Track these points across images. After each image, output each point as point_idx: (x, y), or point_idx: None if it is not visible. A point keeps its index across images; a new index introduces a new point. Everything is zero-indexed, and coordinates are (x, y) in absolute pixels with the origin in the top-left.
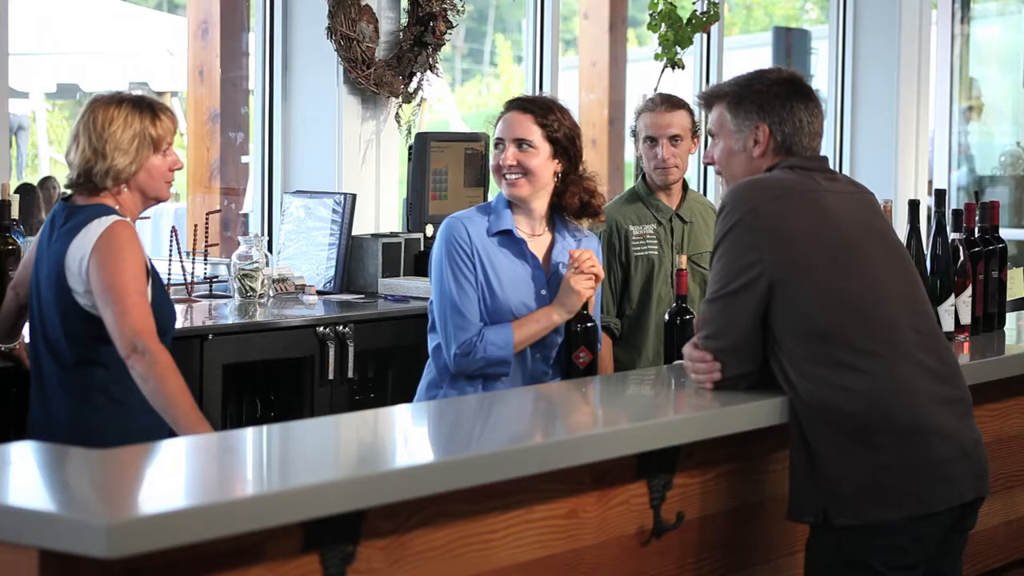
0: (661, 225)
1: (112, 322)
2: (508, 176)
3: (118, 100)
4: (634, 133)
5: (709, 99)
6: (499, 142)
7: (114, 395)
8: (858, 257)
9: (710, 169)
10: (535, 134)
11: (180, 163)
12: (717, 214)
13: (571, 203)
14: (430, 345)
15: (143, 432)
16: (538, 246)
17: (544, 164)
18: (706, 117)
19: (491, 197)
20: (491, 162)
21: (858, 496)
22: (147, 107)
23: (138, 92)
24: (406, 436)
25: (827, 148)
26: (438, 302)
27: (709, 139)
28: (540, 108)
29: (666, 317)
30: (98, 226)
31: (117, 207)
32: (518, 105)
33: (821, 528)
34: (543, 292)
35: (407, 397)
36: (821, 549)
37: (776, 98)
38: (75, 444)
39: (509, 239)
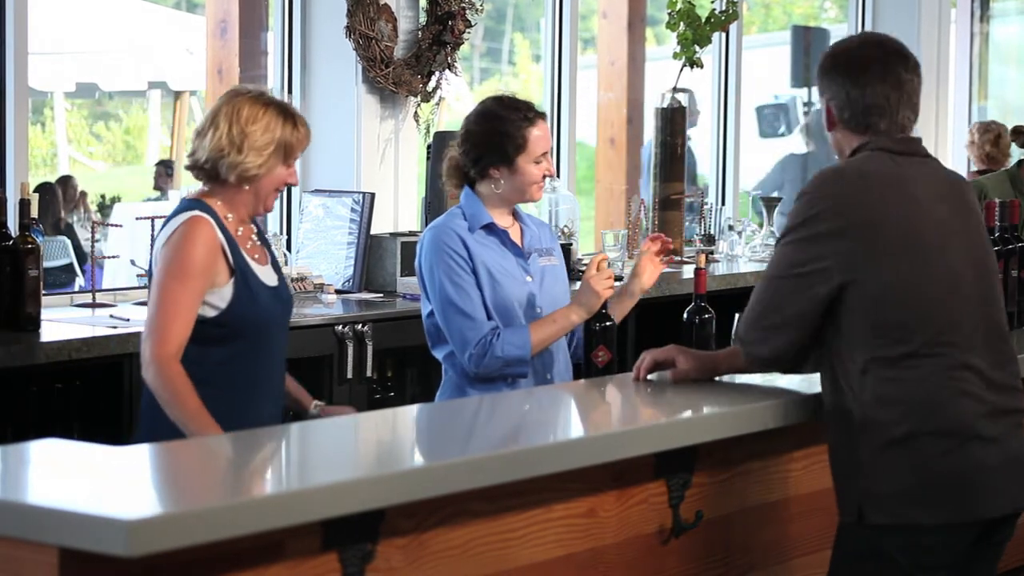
0: None
1: (145, 321)
2: (541, 184)
3: (264, 101)
4: None
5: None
6: (544, 156)
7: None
8: (936, 251)
9: None
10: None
11: (296, 181)
12: (796, 199)
13: None
14: (440, 355)
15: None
16: (514, 235)
17: None
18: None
19: None
20: (533, 175)
21: (896, 498)
22: (289, 116)
23: (280, 98)
24: (425, 435)
25: None
26: (440, 309)
27: None
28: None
29: (684, 316)
30: (175, 222)
31: (220, 202)
32: (543, 116)
33: (855, 523)
34: (528, 279)
35: (426, 396)
36: (848, 538)
37: (828, 73)
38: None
39: (491, 232)
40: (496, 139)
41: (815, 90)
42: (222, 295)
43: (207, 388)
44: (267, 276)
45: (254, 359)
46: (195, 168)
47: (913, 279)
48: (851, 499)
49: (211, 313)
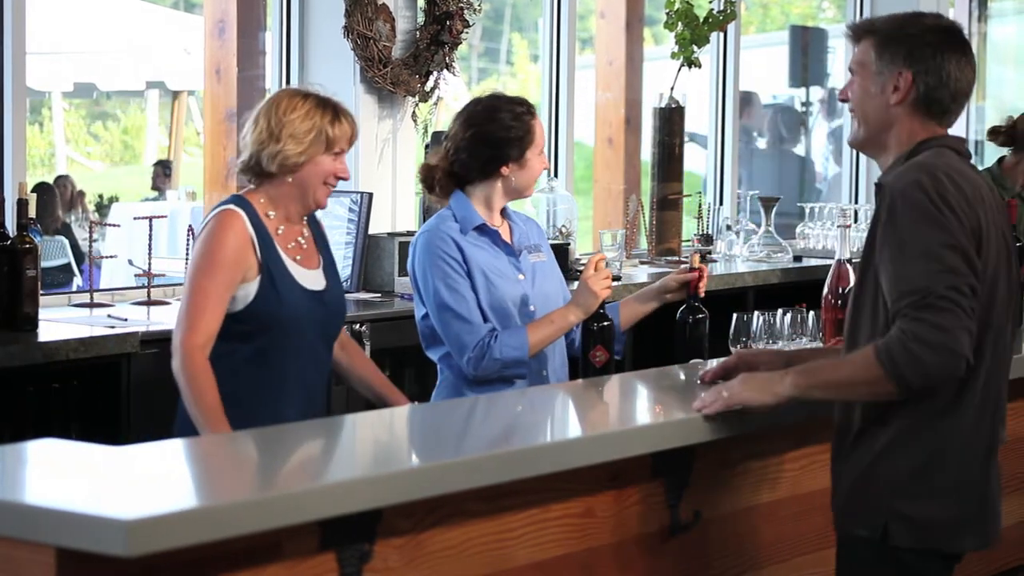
0: None
1: (178, 311)
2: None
3: (304, 94)
4: None
5: (859, 32)
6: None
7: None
8: (993, 263)
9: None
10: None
11: (347, 174)
12: (882, 201)
13: None
14: (435, 356)
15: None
16: (504, 234)
17: None
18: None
19: None
20: (538, 169)
21: (925, 520)
22: (330, 107)
23: (325, 94)
24: (422, 435)
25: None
26: (436, 314)
27: (848, 74)
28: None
29: (677, 315)
30: (210, 216)
31: (263, 199)
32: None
33: (871, 540)
34: (520, 277)
35: (424, 396)
36: (866, 557)
37: (928, 46)
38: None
39: (483, 232)
40: (509, 134)
41: (814, 90)
42: (247, 291)
43: (233, 383)
44: (308, 278)
45: (281, 360)
46: (246, 170)
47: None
48: (873, 516)
49: (237, 307)
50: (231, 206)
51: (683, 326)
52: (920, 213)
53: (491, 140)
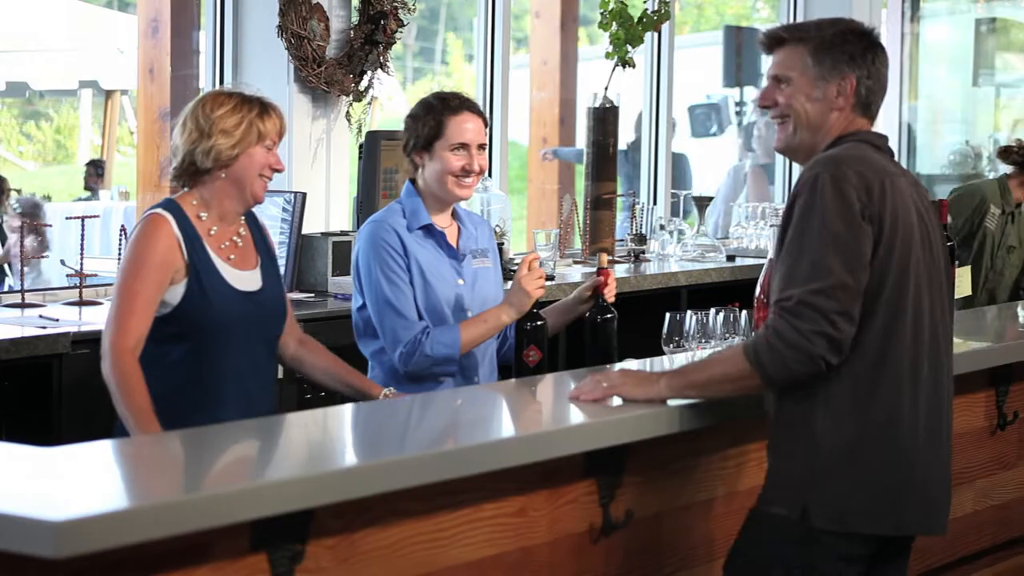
0: None
1: (107, 315)
2: (467, 179)
3: (228, 92)
4: None
5: (782, 39)
6: (462, 146)
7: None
8: (915, 258)
9: None
10: (485, 136)
11: (282, 166)
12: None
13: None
14: (367, 351)
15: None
16: (451, 237)
17: None
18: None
19: None
20: (446, 165)
21: (843, 503)
22: (256, 102)
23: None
24: (355, 435)
25: None
26: (374, 306)
27: (766, 81)
28: (482, 110)
29: (587, 315)
30: (140, 220)
31: (196, 201)
32: (474, 108)
33: (787, 520)
34: (459, 282)
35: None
36: (774, 535)
37: (865, 49)
38: None
39: (429, 233)
40: (418, 124)
41: (747, 90)
42: (176, 293)
43: (167, 385)
44: (241, 279)
45: (213, 361)
46: (179, 176)
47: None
48: (795, 496)
49: (164, 310)
50: (159, 210)
51: (591, 326)
52: (808, 210)
53: (409, 126)
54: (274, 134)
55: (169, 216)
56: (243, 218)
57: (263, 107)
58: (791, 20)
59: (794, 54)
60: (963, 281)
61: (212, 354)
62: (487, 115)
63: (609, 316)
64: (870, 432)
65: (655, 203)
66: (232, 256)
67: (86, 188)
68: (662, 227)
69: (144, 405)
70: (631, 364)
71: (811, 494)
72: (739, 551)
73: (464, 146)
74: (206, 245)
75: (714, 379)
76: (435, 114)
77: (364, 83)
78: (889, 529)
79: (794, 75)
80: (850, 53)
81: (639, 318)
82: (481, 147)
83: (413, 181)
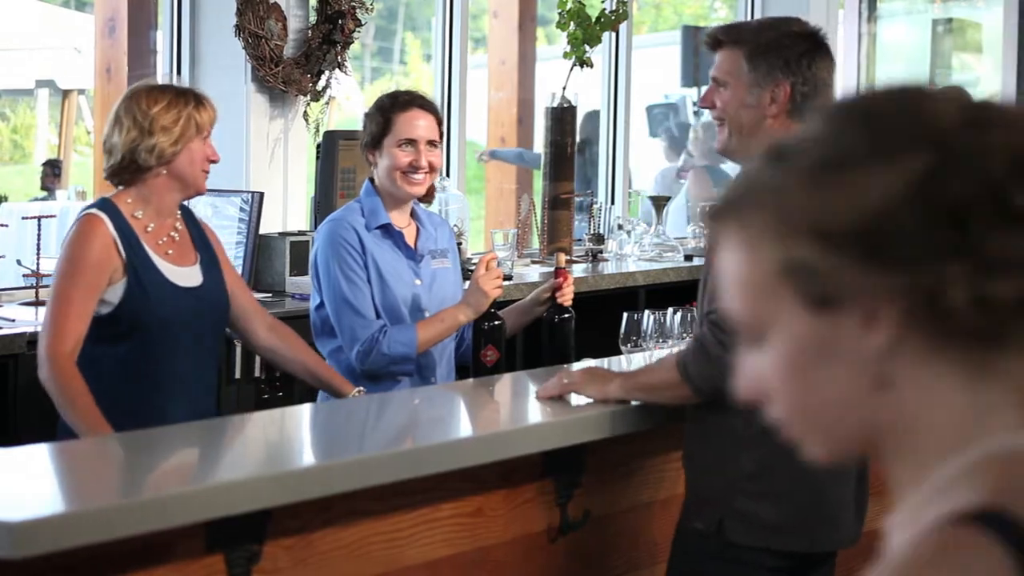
0: None
1: (43, 320)
2: (416, 176)
3: (160, 87)
4: None
5: (723, 40)
6: (410, 142)
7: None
8: None
9: None
10: (437, 133)
11: (217, 156)
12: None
13: (429, 191)
14: (324, 350)
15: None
16: (409, 237)
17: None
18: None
19: None
20: (394, 161)
21: (759, 520)
22: (191, 94)
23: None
24: (312, 435)
25: None
26: (332, 304)
27: (710, 83)
28: (435, 107)
29: (544, 315)
30: (74, 221)
31: (131, 200)
32: (425, 105)
33: (706, 534)
34: (417, 282)
35: (314, 396)
36: (698, 549)
37: (802, 55)
38: None
39: (388, 232)
40: (371, 121)
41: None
42: (115, 292)
43: (108, 386)
44: (181, 275)
45: (158, 359)
46: (117, 174)
47: None
48: (712, 512)
49: (105, 310)
50: (93, 210)
51: (548, 326)
52: None
53: (364, 123)
54: (209, 125)
55: (104, 216)
56: (179, 213)
57: (197, 99)
58: (748, 19)
59: (731, 57)
60: None
61: (154, 352)
62: (444, 115)
63: (567, 316)
64: (781, 449)
65: (613, 203)
66: (170, 251)
67: (43, 188)
68: (620, 227)
69: (89, 407)
70: (589, 364)
71: (727, 509)
72: (670, 565)
73: (411, 142)
74: (143, 242)
75: (656, 385)
76: (384, 111)
77: (322, 83)
78: (803, 546)
79: (731, 80)
80: (785, 59)
81: (597, 317)
82: (432, 143)
83: (372, 180)
